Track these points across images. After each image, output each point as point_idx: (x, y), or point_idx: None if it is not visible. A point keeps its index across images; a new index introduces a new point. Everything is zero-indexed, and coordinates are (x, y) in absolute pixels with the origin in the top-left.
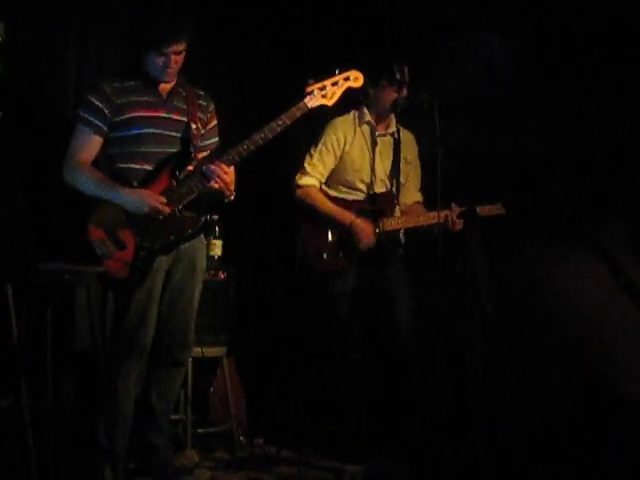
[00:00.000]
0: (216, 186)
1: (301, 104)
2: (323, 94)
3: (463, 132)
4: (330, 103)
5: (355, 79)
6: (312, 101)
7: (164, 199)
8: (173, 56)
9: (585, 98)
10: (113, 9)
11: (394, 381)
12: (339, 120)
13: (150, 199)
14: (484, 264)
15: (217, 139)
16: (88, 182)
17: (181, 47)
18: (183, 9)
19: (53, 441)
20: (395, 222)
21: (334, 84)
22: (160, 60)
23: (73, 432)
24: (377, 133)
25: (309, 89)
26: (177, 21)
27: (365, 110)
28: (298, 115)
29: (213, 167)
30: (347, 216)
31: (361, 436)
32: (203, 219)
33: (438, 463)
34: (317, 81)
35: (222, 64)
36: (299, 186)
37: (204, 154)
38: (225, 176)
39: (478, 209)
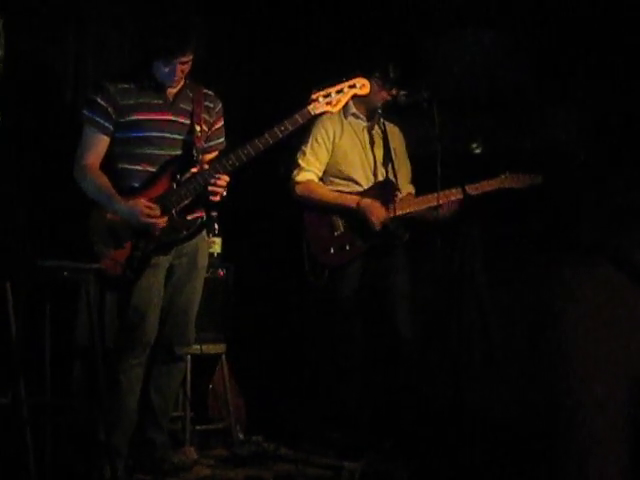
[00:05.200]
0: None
1: (305, 111)
2: (328, 101)
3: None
4: (334, 110)
5: (361, 87)
6: (316, 108)
7: (158, 211)
8: (179, 65)
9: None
10: (113, 4)
11: (393, 378)
12: (326, 116)
13: (142, 215)
14: (482, 264)
15: (223, 139)
16: (90, 186)
17: (187, 58)
18: (189, 18)
19: (51, 439)
20: (400, 207)
21: (339, 92)
22: (166, 68)
23: (72, 429)
24: (365, 124)
25: (314, 96)
26: (184, 33)
27: (350, 103)
28: (301, 121)
29: (214, 181)
30: (352, 198)
31: (359, 433)
32: (199, 221)
33: (436, 460)
34: (322, 88)
35: (221, 62)
36: (298, 182)
37: (211, 155)
38: (222, 186)
39: (468, 188)
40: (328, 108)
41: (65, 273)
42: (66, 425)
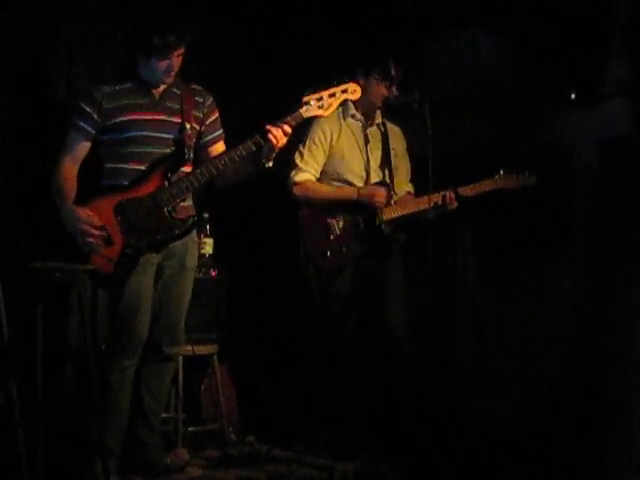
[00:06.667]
0: (274, 141)
1: (296, 114)
2: (319, 105)
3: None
4: (326, 114)
5: (353, 92)
6: (308, 111)
7: (97, 222)
8: (175, 59)
9: None
10: (102, 7)
11: (386, 379)
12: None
13: (78, 221)
14: (474, 265)
15: (221, 131)
16: (54, 182)
17: (183, 50)
18: (182, 13)
19: (44, 439)
20: (395, 210)
21: (331, 95)
22: (164, 64)
23: (65, 430)
24: (363, 125)
25: (306, 99)
26: (181, 25)
27: (350, 104)
28: (293, 124)
29: (270, 126)
30: (350, 190)
31: (352, 434)
32: (191, 220)
33: (430, 460)
34: (314, 91)
35: (221, 62)
36: (296, 183)
37: (216, 147)
38: (279, 136)
39: (461, 190)
40: (320, 112)
41: (57, 274)
42: (59, 426)
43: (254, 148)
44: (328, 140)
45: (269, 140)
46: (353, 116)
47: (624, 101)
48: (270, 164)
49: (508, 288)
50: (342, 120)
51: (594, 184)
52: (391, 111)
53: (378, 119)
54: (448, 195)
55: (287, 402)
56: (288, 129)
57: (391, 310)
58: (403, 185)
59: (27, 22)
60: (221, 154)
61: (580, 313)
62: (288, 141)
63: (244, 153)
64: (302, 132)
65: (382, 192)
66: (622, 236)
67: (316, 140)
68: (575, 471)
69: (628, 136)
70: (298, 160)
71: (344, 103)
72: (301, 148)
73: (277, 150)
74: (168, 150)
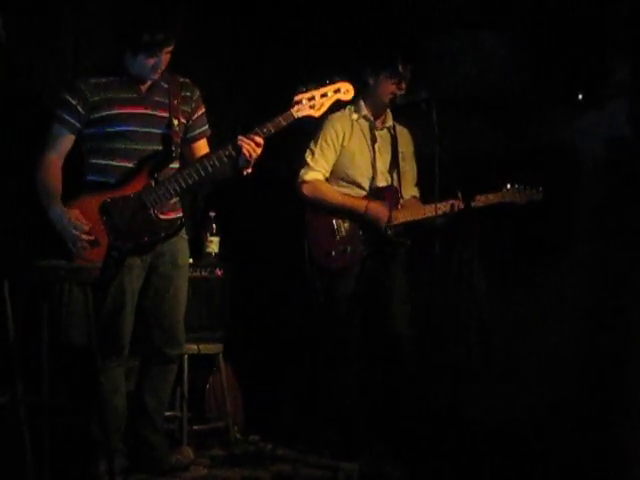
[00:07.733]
0: (246, 154)
1: (288, 113)
2: (311, 105)
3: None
4: (317, 114)
5: (345, 92)
6: (299, 111)
7: (87, 227)
8: (163, 56)
9: None
10: (102, 7)
11: (390, 380)
12: (336, 115)
13: (68, 225)
14: (480, 268)
15: (207, 127)
16: (39, 179)
17: (171, 47)
18: (173, 9)
19: (49, 438)
20: (403, 215)
21: (323, 95)
22: (151, 61)
23: (68, 428)
24: (374, 125)
25: (298, 98)
26: (170, 23)
27: (362, 104)
28: (284, 124)
29: (241, 139)
30: (360, 203)
31: (357, 434)
32: (179, 222)
33: (434, 461)
34: (307, 90)
35: (221, 62)
36: (305, 181)
37: (199, 144)
38: (251, 148)
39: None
40: (311, 112)
41: (61, 273)
42: (64, 425)
43: (226, 160)
44: (340, 140)
45: (242, 153)
46: (365, 117)
47: (628, 102)
48: (249, 170)
49: (512, 289)
50: (354, 121)
51: (599, 184)
52: (399, 111)
53: (389, 122)
54: (457, 205)
55: (292, 401)
56: (259, 140)
57: (395, 313)
58: (409, 189)
59: (27, 22)
60: (207, 154)
61: (584, 313)
62: (263, 151)
63: (217, 164)
64: (313, 130)
65: (386, 214)
66: (626, 236)
67: (328, 139)
68: (576, 472)
69: (632, 136)
70: (309, 158)
71: (356, 103)
72: (312, 146)
73: (253, 161)
74: (155, 146)
